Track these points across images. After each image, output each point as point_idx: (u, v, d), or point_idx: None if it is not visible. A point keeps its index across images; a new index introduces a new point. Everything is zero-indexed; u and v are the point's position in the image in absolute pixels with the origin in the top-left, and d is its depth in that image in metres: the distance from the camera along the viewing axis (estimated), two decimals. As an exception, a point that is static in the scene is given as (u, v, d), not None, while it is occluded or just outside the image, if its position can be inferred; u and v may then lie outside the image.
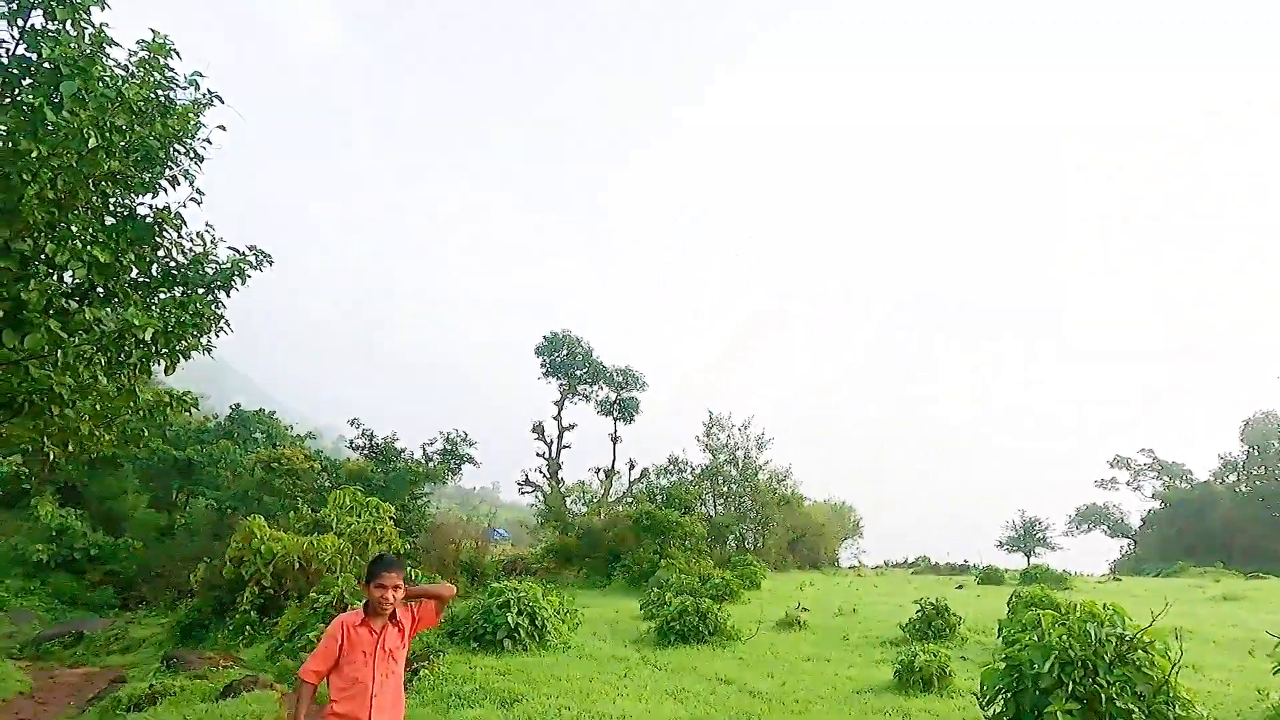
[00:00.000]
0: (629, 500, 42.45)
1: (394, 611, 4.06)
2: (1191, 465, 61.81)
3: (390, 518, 16.28)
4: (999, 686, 6.52)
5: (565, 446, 49.76)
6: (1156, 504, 60.73)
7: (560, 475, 48.27)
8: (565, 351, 50.69)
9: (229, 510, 28.24)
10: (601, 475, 48.43)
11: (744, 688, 9.38)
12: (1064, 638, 6.46)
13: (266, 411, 40.24)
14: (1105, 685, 6.14)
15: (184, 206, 8.40)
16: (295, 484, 27.50)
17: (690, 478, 39.47)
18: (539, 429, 49.28)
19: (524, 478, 46.84)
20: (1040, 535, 61.23)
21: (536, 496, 45.50)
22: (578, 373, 50.86)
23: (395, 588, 4.00)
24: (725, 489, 39.43)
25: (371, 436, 31.39)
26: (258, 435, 37.07)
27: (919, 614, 13.39)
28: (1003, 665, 6.68)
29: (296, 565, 17.25)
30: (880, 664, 11.13)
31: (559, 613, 12.83)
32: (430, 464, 30.68)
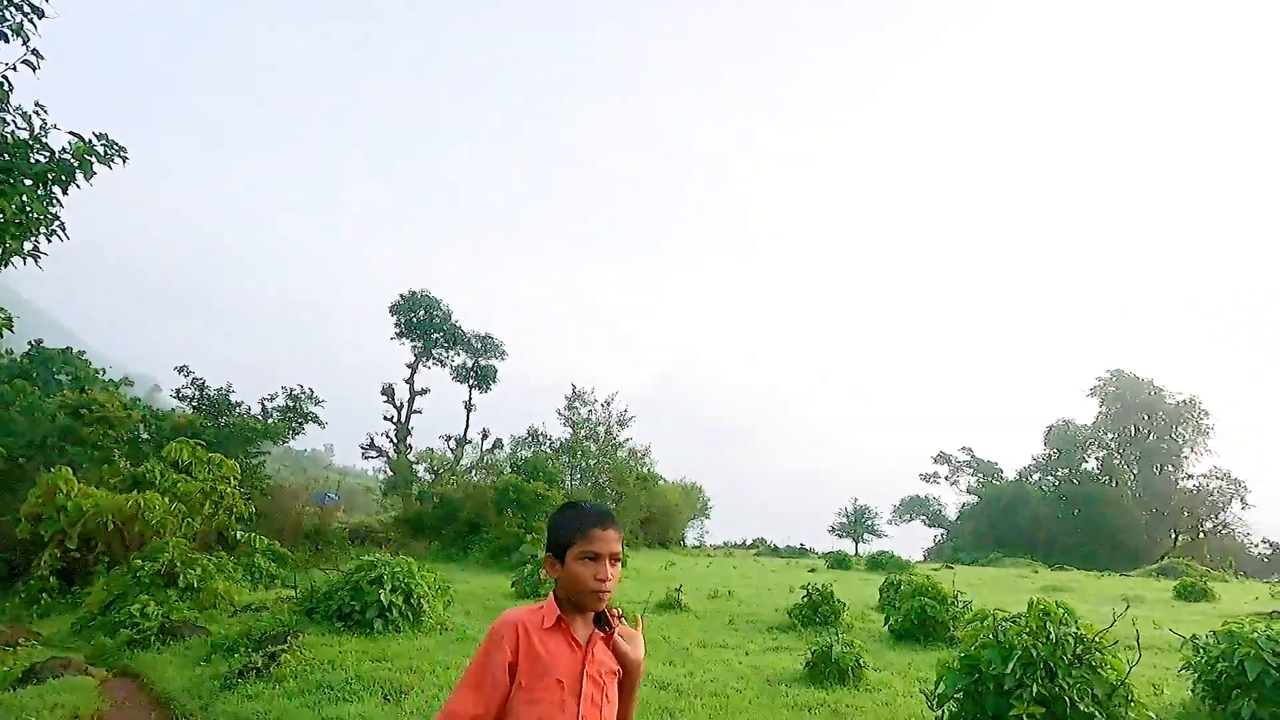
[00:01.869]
0: (481, 470, 41.18)
1: (604, 613, 2.23)
2: (1004, 464, 67.73)
3: (234, 477, 14.38)
4: (958, 687, 6.13)
5: (416, 411, 47.52)
6: (972, 498, 66.02)
7: (409, 441, 46.08)
8: (423, 312, 48.31)
9: (21, 460, 24.46)
10: (453, 443, 46.70)
11: (650, 679, 8.67)
12: (1023, 636, 6.18)
13: (74, 352, 35.47)
14: (1066, 687, 5.89)
15: (13, 69, 6.56)
16: (108, 434, 24.18)
17: (549, 451, 38.60)
18: (389, 391, 46.71)
19: (369, 441, 44.30)
20: (869, 522, 65.19)
21: (383, 462, 43.18)
22: (434, 335, 48.65)
23: (615, 559, 2.19)
24: (584, 464, 38.86)
25: (203, 387, 28.24)
26: (61, 378, 32.52)
27: (805, 599, 13.23)
28: (958, 664, 6.33)
29: (111, 526, 14.98)
30: (777, 651, 10.80)
31: (434, 590, 11.65)
32: (270, 420, 27.99)
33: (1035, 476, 64.54)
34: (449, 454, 43.41)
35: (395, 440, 45.27)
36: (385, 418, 46.28)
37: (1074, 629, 6.31)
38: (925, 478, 70.50)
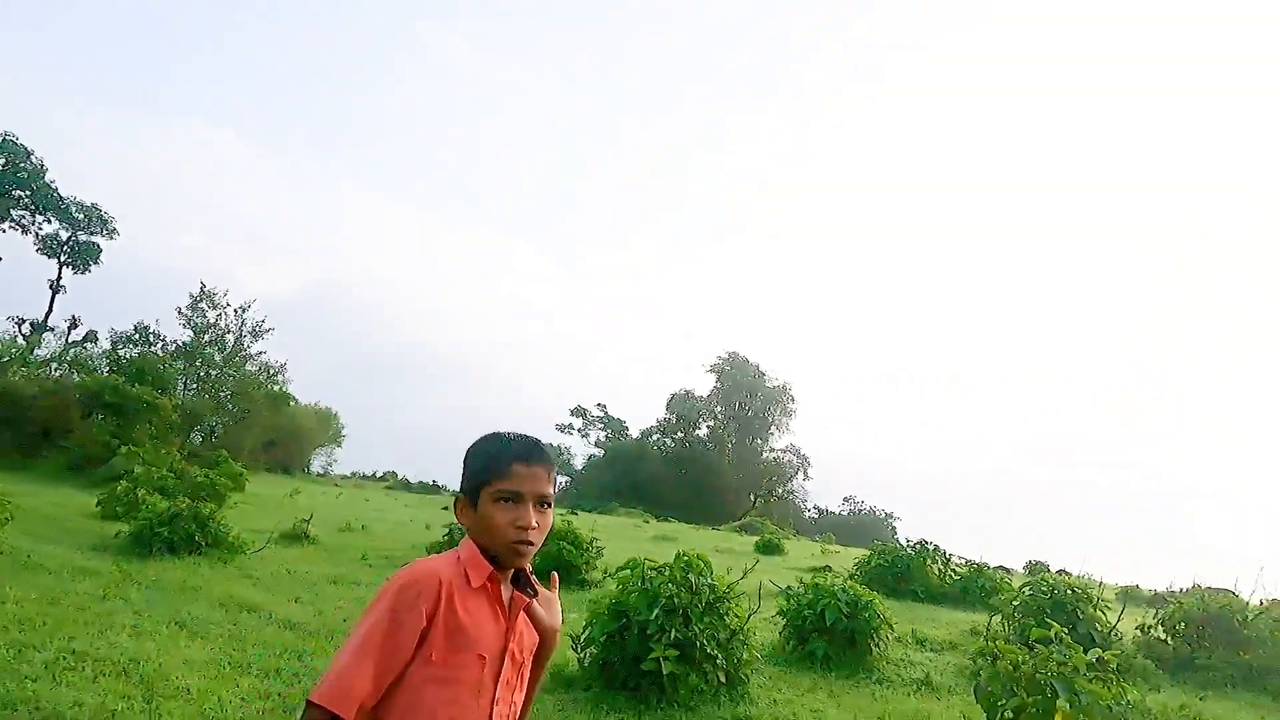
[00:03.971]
0: (65, 365, 34.57)
1: (523, 573, 1.70)
2: (632, 424, 74.02)
3: None
4: (606, 631, 6.40)
5: (-22, 282, 38.36)
6: (599, 452, 71.30)
7: (-37, 318, 37.14)
8: (3, 160, 38.99)
9: None
10: (27, 328, 38.75)
11: (273, 618, 7.85)
12: (669, 586, 6.63)
13: None
14: (698, 632, 6.44)
15: None
16: None
17: (161, 354, 33.42)
18: (-60, 251, 37.06)
19: (-100, 310, 34.74)
20: (503, 466, 67.26)
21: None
22: (17, 193, 39.63)
23: (543, 503, 1.65)
24: (204, 373, 34.36)
25: None
26: None
27: (446, 537, 13.09)
28: (607, 610, 6.59)
29: None
30: (414, 590, 10.47)
31: (-14, 505, 9.34)
32: None
33: (655, 437, 71.69)
34: (20, 340, 35.71)
35: (-60, 313, 36.10)
36: (-70, 283, 36.65)
37: (709, 580, 6.93)
38: (560, 428, 74.48)
